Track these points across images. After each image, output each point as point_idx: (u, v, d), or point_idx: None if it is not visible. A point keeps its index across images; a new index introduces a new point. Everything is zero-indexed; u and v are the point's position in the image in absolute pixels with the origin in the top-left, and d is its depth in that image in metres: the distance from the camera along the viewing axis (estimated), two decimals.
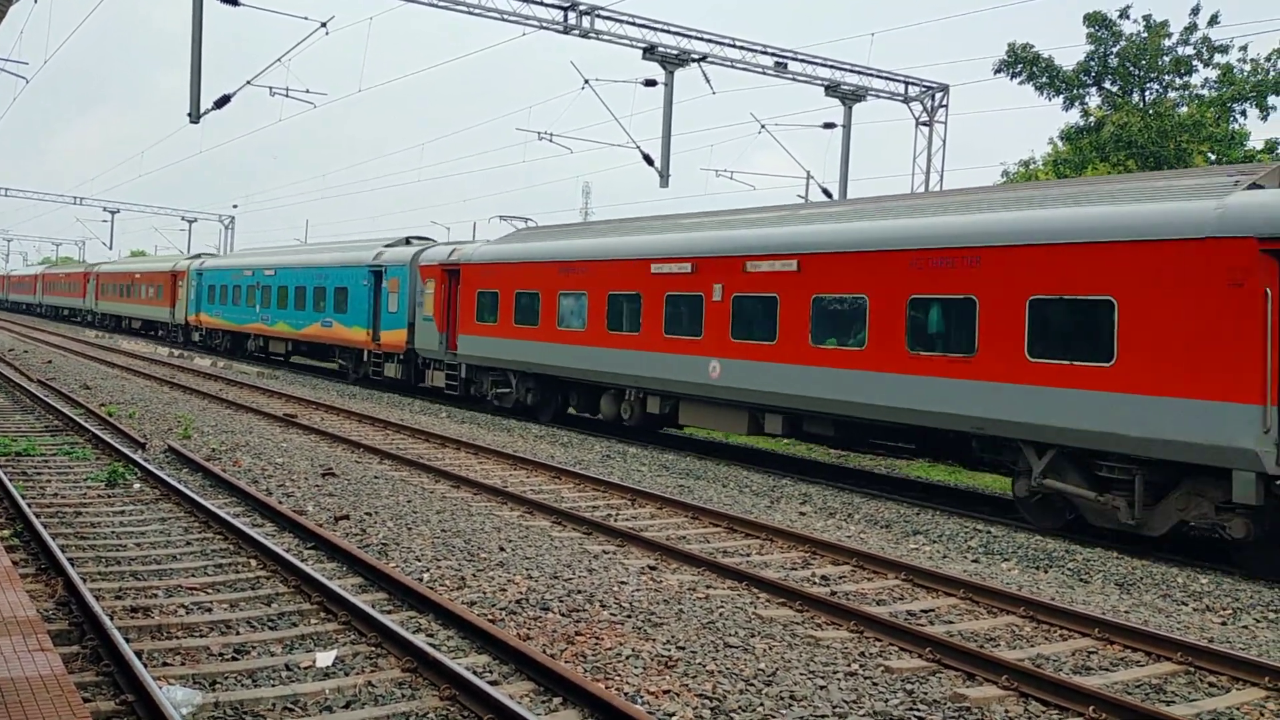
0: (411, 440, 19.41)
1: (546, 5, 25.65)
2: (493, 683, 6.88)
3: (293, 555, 9.76)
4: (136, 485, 13.36)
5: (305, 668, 7.13)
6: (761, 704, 6.83)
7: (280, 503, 12.48)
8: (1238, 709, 7.25)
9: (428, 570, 9.76)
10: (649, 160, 28.22)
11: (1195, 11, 29.70)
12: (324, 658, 7.29)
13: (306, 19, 24.15)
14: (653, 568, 10.37)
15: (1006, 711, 6.99)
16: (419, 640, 7.38)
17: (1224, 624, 9.62)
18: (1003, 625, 9.06)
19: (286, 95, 29.03)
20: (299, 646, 7.57)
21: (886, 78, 30.75)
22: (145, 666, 6.64)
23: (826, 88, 30.26)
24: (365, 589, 9.08)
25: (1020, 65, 31.32)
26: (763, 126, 30.89)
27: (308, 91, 29.12)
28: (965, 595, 9.82)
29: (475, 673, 6.94)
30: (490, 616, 8.39)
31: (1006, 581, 10.63)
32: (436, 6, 24.86)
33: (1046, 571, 11.40)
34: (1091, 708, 6.88)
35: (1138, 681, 7.74)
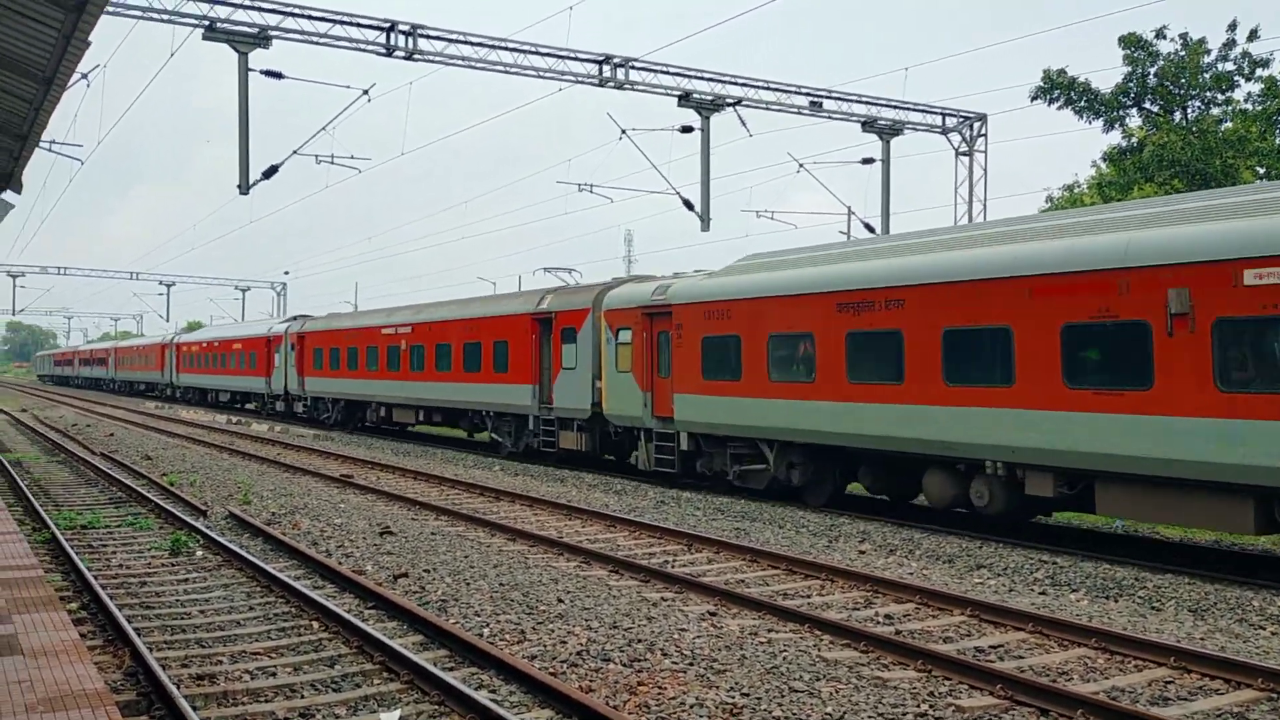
0: (467, 495, 19.49)
1: (582, 59, 26.03)
2: None
3: (353, 615, 9.81)
4: (199, 553, 13.54)
5: None
6: None
7: (340, 563, 12.56)
8: None
9: (487, 625, 9.75)
10: (689, 205, 28.37)
11: (1233, 27, 29.40)
12: (389, 718, 7.29)
13: (349, 87, 24.72)
14: (713, 613, 10.28)
15: None
16: (482, 697, 7.36)
17: None
18: (1074, 658, 8.84)
19: (332, 162, 29.61)
20: (364, 708, 7.58)
21: (923, 110, 30.74)
22: None
23: (863, 124, 30.29)
24: (426, 646, 9.09)
25: (1057, 90, 31.14)
26: (801, 165, 30.95)
27: (352, 157, 29.71)
28: (1034, 629, 9.61)
29: None
30: (552, 670, 8.35)
31: (1076, 613, 10.38)
32: (474, 68, 25.33)
33: (1116, 601, 11.13)
34: None
35: (1218, 710, 7.50)
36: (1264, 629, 9.95)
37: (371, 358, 34.05)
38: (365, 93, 24.39)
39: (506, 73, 25.56)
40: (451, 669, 8.37)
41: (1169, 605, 10.86)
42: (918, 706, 7.54)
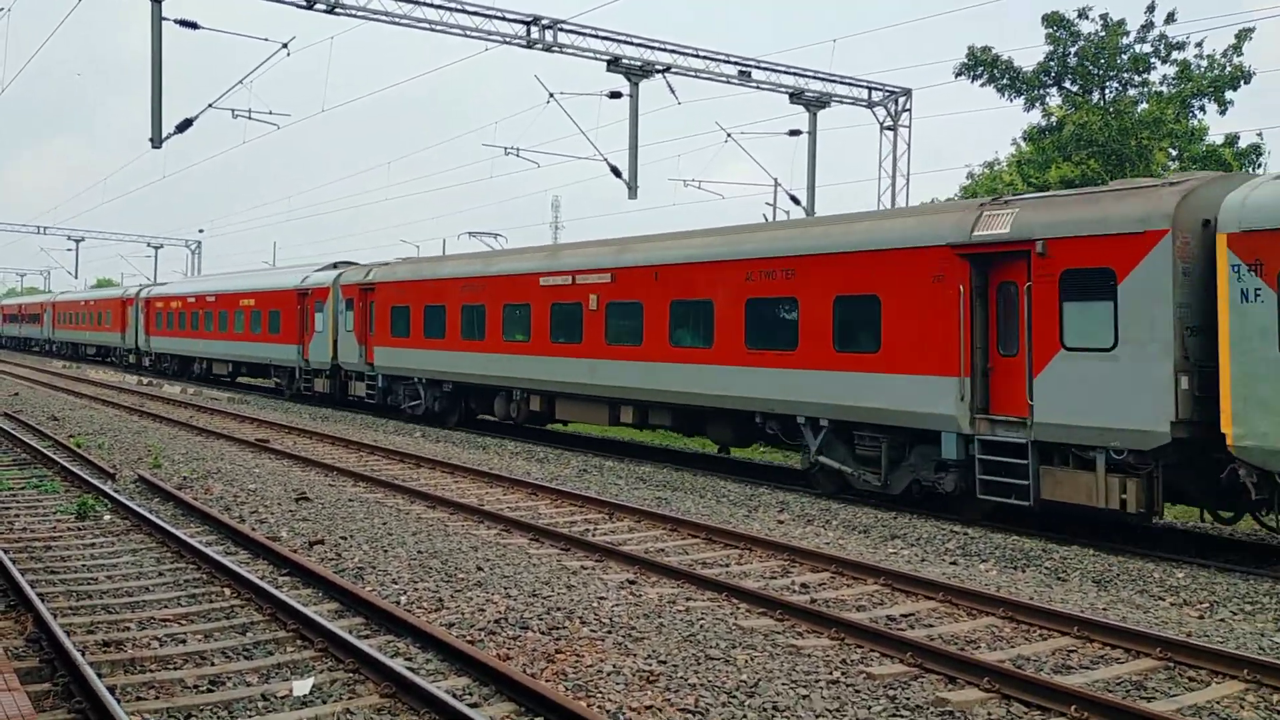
0: (386, 461, 19.27)
1: (509, 19, 25.62)
2: (473, 705, 6.82)
3: (267, 582, 9.64)
4: (107, 517, 13.17)
5: (282, 697, 7.04)
6: (745, 716, 6.80)
7: (253, 529, 12.34)
8: (1218, 702, 7.29)
9: (405, 593, 9.67)
10: (616, 172, 28.21)
11: (1151, 9, 30.05)
12: (301, 686, 7.19)
13: (267, 40, 24.00)
14: (632, 582, 10.32)
15: (989, 714, 6.99)
16: (397, 665, 7.30)
17: (1201, 618, 9.67)
18: (983, 627, 9.07)
19: (249, 117, 28.78)
20: (275, 675, 7.47)
21: (850, 83, 30.91)
22: (118, 702, 6.53)
23: (791, 95, 30.38)
24: (342, 614, 8.98)
25: (980, 68, 31.56)
26: (729, 135, 30.98)
27: (270, 113, 28.92)
28: (945, 598, 9.84)
29: (455, 695, 6.87)
30: (469, 637, 8.31)
31: (985, 583, 10.65)
32: (398, 24, 24.77)
33: (1024, 571, 11.45)
34: (1074, 707, 6.90)
35: (1118, 679, 7.76)
36: (1163, 600, 10.32)
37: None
38: (284, 46, 23.71)
39: (431, 30, 25.05)
40: (367, 637, 8.28)
41: (1074, 576, 11.20)
42: (830, 674, 7.67)
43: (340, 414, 29.18)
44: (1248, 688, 7.56)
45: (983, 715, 6.96)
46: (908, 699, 7.20)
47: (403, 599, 9.45)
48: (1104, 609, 9.75)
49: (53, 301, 67.87)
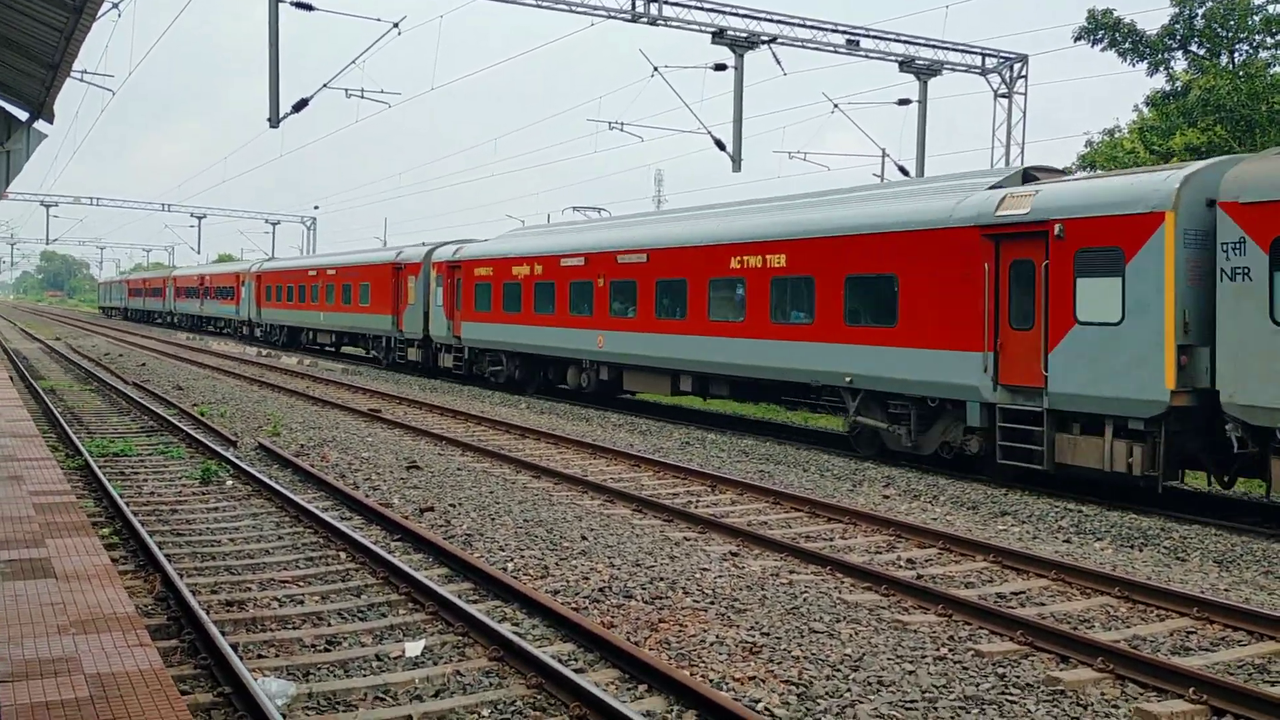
0: (493, 432, 19.62)
1: None
2: (578, 670, 6.92)
3: (380, 547, 9.93)
4: (229, 482, 13.73)
5: (395, 658, 7.26)
6: (849, 689, 6.76)
7: (367, 496, 12.71)
8: None
9: (511, 560, 9.85)
10: (720, 145, 28.05)
11: None
12: (413, 648, 7.41)
13: (379, 20, 24.49)
14: (735, 554, 10.33)
15: (1103, 694, 6.81)
16: (505, 629, 7.45)
17: None
18: (1096, 606, 8.83)
19: (362, 96, 29.53)
20: (389, 637, 7.70)
21: (963, 50, 30.11)
22: (241, 659, 6.82)
23: (900, 63, 29.73)
24: (451, 579, 9.21)
25: (1101, 31, 30.39)
26: (835, 106, 30.47)
27: (382, 92, 29.61)
28: (1057, 576, 9.60)
29: (561, 661, 6.99)
30: (574, 605, 8.44)
31: (1100, 561, 10.36)
32: (506, 1, 25.00)
33: (1141, 550, 11.09)
34: (1191, 689, 6.67)
35: (1240, 661, 7.48)
36: None
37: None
38: (395, 25, 24.18)
39: (539, 7, 25.22)
40: (475, 602, 8.47)
41: (1194, 556, 10.81)
42: (937, 650, 7.56)
43: (436, 383, 29.93)
44: None
45: (1096, 695, 6.79)
46: (1018, 677, 7.06)
47: (509, 566, 9.64)
48: (1226, 590, 9.40)
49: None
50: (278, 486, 12.83)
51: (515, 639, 7.20)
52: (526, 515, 11.85)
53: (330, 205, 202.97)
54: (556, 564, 9.73)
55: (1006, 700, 6.66)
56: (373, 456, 16.01)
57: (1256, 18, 29.07)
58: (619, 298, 22.41)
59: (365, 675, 6.94)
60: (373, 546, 9.76)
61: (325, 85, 26.16)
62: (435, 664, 7.15)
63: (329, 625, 7.95)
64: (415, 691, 6.68)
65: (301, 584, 9.07)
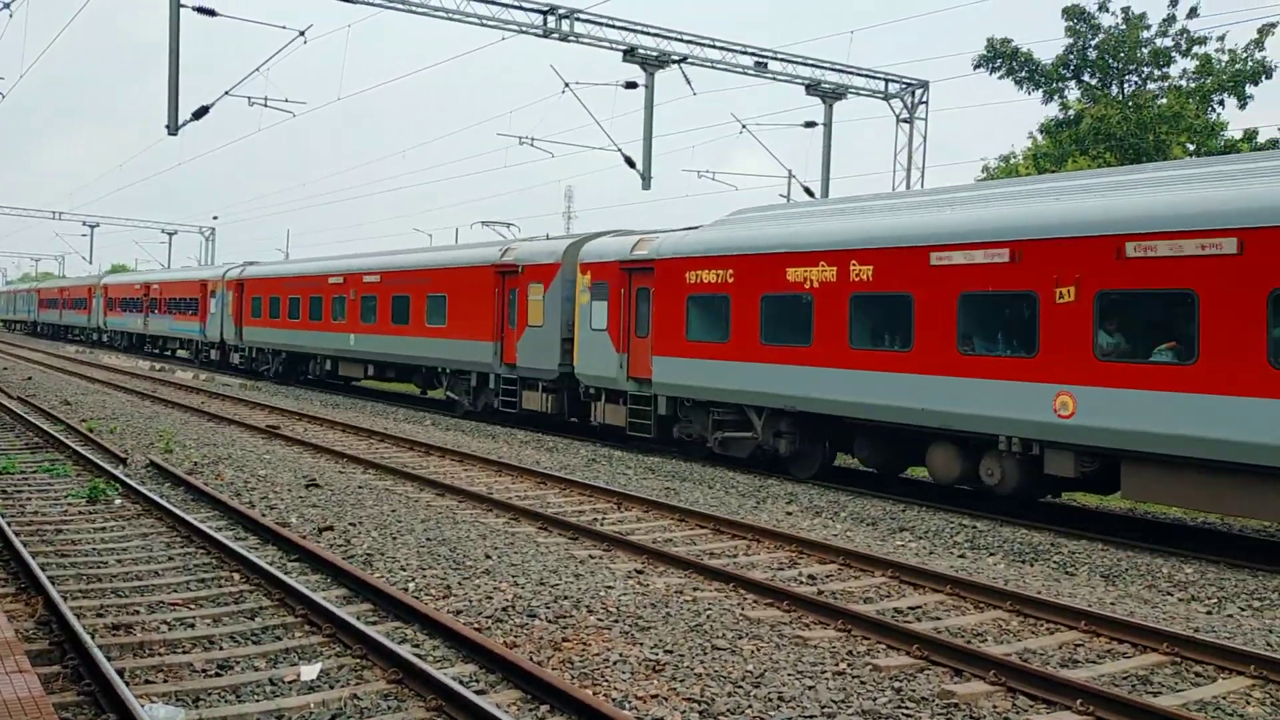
0: (395, 449, 19.34)
1: (525, 9, 25.60)
2: (479, 692, 6.84)
3: (276, 568, 9.68)
4: (118, 501, 13.26)
5: (290, 682, 7.07)
6: (750, 705, 6.81)
7: (263, 515, 12.40)
8: (1224, 698, 7.26)
9: (413, 580, 9.70)
10: (630, 163, 28.19)
11: (1173, 3, 29.85)
12: (308, 671, 7.23)
13: (284, 28, 24.04)
14: (640, 571, 10.34)
15: (994, 707, 6.98)
16: (404, 651, 7.33)
17: (1209, 613, 9.63)
18: (989, 620, 9.06)
19: (265, 105, 28.87)
20: (283, 660, 7.51)
21: (867, 75, 30.79)
22: (127, 685, 6.57)
23: (807, 86, 30.27)
24: (350, 600, 9.02)
25: (999, 60, 31.42)
26: (744, 126, 30.89)
27: (286, 100, 29.00)
28: (952, 591, 9.82)
29: (462, 682, 6.89)
30: (476, 625, 8.34)
31: (993, 576, 10.63)
32: (415, 12, 24.78)
33: (1032, 565, 11.42)
34: (1079, 701, 6.88)
35: (1125, 673, 7.74)
36: (1171, 595, 10.28)
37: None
38: (302, 34, 23.76)
39: (448, 19, 25.07)
40: (375, 623, 8.32)
41: (1082, 570, 11.17)
42: (836, 665, 7.67)
43: (338, 399, 29.19)
44: (1254, 683, 7.53)
45: (988, 708, 6.95)
46: (913, 690, 7.19)
47: (411, 586, 9.49)
48: (1112, 604, 9.72)
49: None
50: (169, 505, 12.44)
51: (415, 660, 7.09)
52: (429, 534, 11.69)
53: (229, 216, 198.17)
54: (459, 583, 9.61)
55: (902, 714, 6.78)
56: (270, 474, 15.63)
57: (1145, 50, 30.38)
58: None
59: (258, 700, 6.75)
60: (268, 567, 9.51)
61: (227, 93, 25.56)
62: (332, 687, 6.99)
63: (221, 649, 7.72)
64: (310, 716, 6.52)
65: (193, 606, 8.79)
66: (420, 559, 10.51)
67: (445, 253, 28.29)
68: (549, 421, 23.29)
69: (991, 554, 11.91)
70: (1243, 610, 9.75)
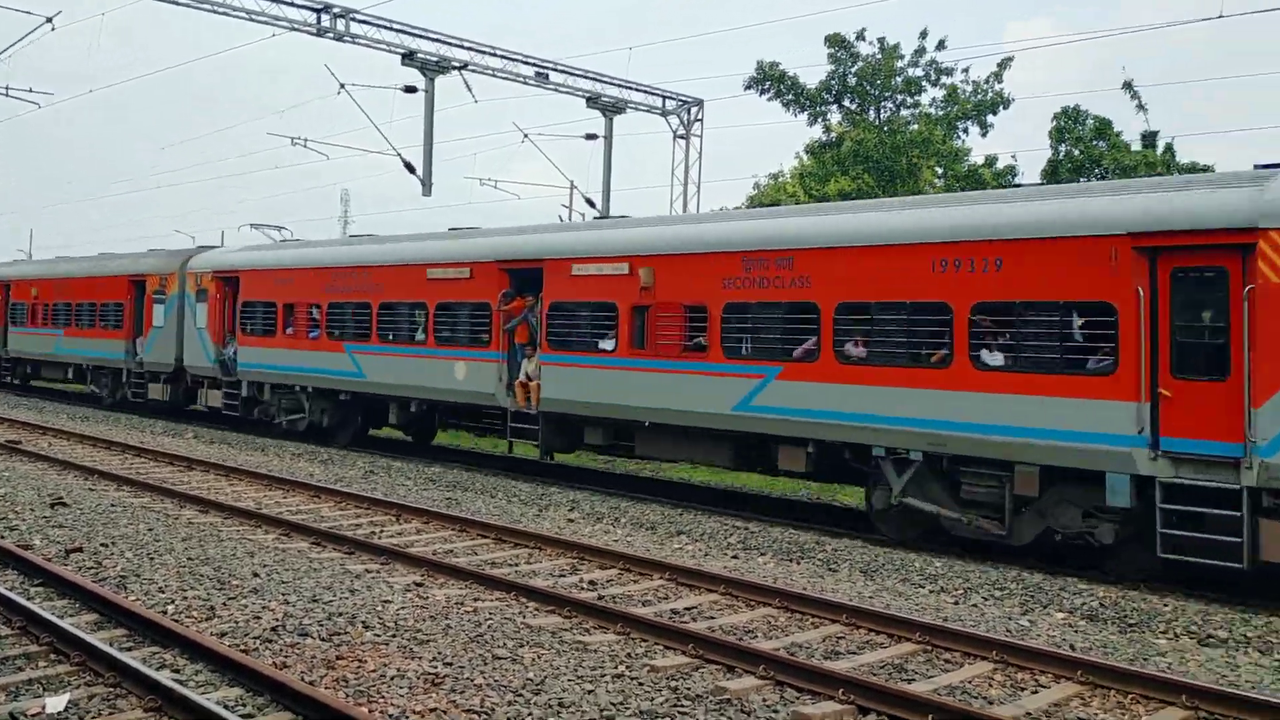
0: (154, 464, 18.20)
1: (298, 6, 24.72)
2: (247, 716, 6.55)
3: (17, 594, 8.92)
4: None
5: (34, 715, 6.54)
6: (530, 713, 6.82)
7: (2, 537, 11.40)
8: (970, 681, 7.85)
9: (173, 602, 9.16)
10: (410, 168, 27.67)
11: (924, 35, 32.11)
12: (55, 703, 6.70)
13: (30, 13, 22.28)
14: (419, 584, 10.16)
15: (764, 700, 7.28)
16: (163, 677, 6.92)
17: (956, 603, 10.39)
18: (760, 617, 9.44)
19: (7, 94, 26.70)
20: (26, 692, 6.94)
21: (645, 91, 31.47)
22: None
23: (587, 99, 30.64)
24: (101, 626, 8.43)
25: (769, 82, 32.83)
26: (526, 136, 30.90)
27: (31, 90, 26.90)
28: (726, 590, 10.17)
29: (227, 707, 6.58)
30: (243, 646, 7.97)
31: (764, 575, 11.08)
32: (176, 3, 23.46)
33: (799, 563, 11.97)
34: (841, 690, 7.27)
35: (882, 662, 8.24)
36: (924, 587, 11.02)
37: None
38: (49, 20, 22.07)
39: (214, 11, 23.87)
40: (130, 649, 7.80)
41: (844, 567, 11.81)
42: (615, 668, 7.79)
43: (87, 411, 27.26)
44: (996, 667, 8.18)
45: (758, 701, 7.24)
46: (689, 689, 7.40)
47: (170, 608, 8.96)
48: (870, 597, 10.33)
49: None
50: None
51: (175, 686, 6.70)
52: (191, 553, 11.07)
53: None
54: (224, 604, 9.15)
55: (679, 713, 6.96)
56: (10, 493, 14.38)
57: (899, 79, 32.49)
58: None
59: None
60: (7, 593, 8.75)
61: None
62: (82, 719, 6.52)
63: None
64: None
65: None
66: (181, 580, 9.94)
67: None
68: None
69: (762, 554, 12.41)
70: (986, 599, 10.56)
